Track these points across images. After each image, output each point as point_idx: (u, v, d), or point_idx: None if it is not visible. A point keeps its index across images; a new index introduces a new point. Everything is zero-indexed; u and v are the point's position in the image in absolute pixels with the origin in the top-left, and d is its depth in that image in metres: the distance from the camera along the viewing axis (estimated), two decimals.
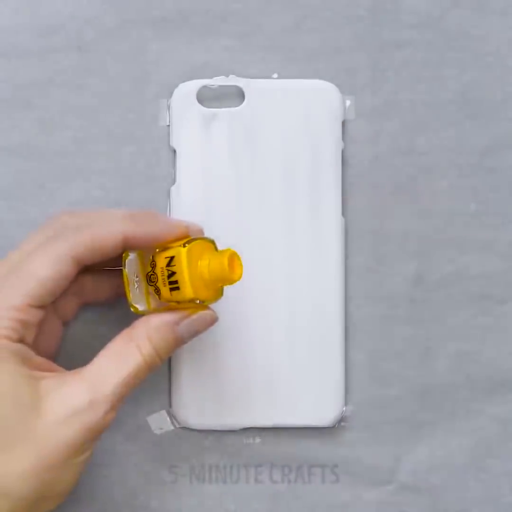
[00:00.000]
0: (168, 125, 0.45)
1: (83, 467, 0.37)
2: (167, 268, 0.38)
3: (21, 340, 0.37)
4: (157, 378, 0.45)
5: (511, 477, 0.46)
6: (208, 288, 0.38)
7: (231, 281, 0.38)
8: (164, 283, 0.38)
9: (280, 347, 0.45)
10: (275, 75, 0.46)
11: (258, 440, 0.46)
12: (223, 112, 0.45)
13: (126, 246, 0.39)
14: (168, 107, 0.45)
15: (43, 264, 0.37)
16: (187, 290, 0.37)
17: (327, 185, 0.45)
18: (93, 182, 0.45)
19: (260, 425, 0.45)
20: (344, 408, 0.45)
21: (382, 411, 0.46)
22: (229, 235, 0.45)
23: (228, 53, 0.46)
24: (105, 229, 0.38)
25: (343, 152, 0.45)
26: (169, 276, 0.38)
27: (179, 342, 0.39)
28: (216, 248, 0.39)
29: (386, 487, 0.46)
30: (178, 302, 0.38)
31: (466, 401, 0.46)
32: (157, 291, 0.38)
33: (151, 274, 0.38)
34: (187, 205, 0.45)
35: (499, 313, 0.46)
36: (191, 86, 0.45)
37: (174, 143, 0.45)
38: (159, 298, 0.39)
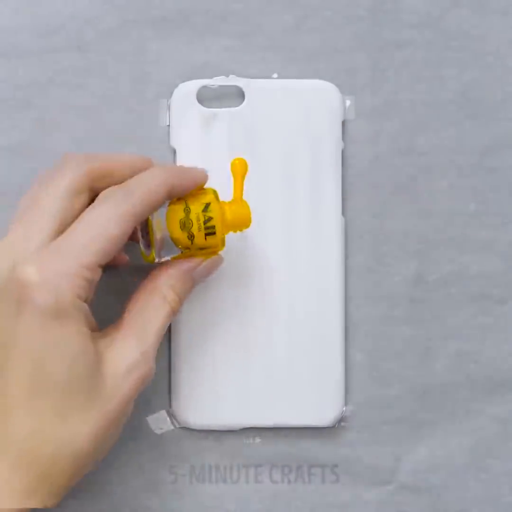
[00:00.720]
0: (168, 125, 0.45)
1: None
2: (204, 213, 0.40)
3: (86, 300, 0.38)
4: (157, 378, 0.45)
5: (511, 477, 0.46)
6: (225, 233, 0.41)
7: (248, 226, 0.41)
8: (200, 229, 0.40)
9: (280, 347, 0.45)
10: (275, 75, 0.46)
11: (258, 440, 0.46)
12: (223, 112, 0.45)
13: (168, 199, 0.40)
14: (168, 107, 0.45)
15: (113, 223, 0.38)
16: (220, 237, 0.40)
17: (327, 185, 0.45)
18: None
19: (260, 425, 0.45)
20: (344, 408, 0.45)
21: (382, 411, 0.46)
22: (229, 235, 0.45)
23: (228, 53, 0.46)
24: (156, 185, 0.39)
25: (343, 152, 0.45)
26: (206, 221, 0.40)
27: (194, 285, 0.42)
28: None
29: (386, 487, 0.46)
30: (188, 248, 0.40)
31: (466, 401, 0.46)
32: (191, 237, 0.40)
33: (186, 220, 0.40)
34: None
35: (499, 313, 0.46)
36: (191, 86, 0.45)
37: (174, 143, 0.45)
38: (191, 244, 0.40)
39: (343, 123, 0.45)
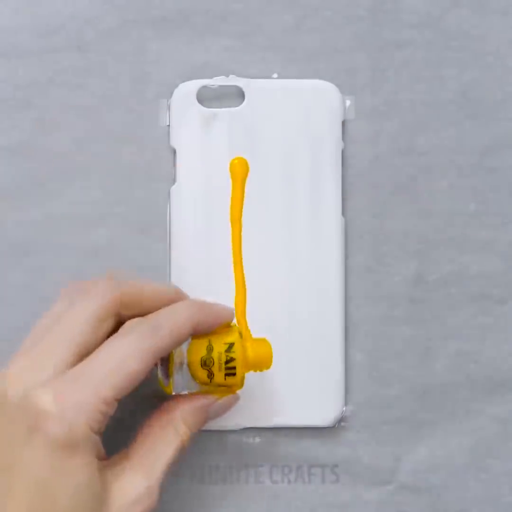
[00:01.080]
0: (168, 125, 0.45)
1: None
2: (226, 353, 0.39)
3: (98, 431, 0.37)
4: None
5: (511, 477, 0.46)
6: (245, 373, 0.40)
7: (269, 367, 0.41)
8: (220, 368, 0.39)
9: (280, 347, 0.45)
10: (275, 75, 0.46)
11: (258, 440, 0.46)
12: (223, 112, 0.45)
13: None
14: (168, 107, 0.45)
15: (135, 358, 0.37)
16: (240, 377, 0.40)
17: (327, 185, 0.45)
18: (93, 182, 0.45)
19: (260, 425, 0.45)
20: (344, 408, 0.45)
21: (382, 411, 0.46)
22: (229, 236, 0.45)
23: (228, 53, 0.46)
24: (182, 322, 0.39)
25: (343, 152, 0.45)
26: (228, 361, 0.39)
27: (208, 421, 0.41)
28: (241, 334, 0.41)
29: (386, 487, 0.46)
30: (206, 384, 0.40)
31: (466, 401, 0.46)
32: (210, 375, 0.39)
33: (207, 358, 0.39)
34: (187, 205, 0.45)
35: (499, 313, 0.46)
36: (191, 86, 0.45)
37: (174, 143, 0.45)
38: (210, 382, 0.40)
39: (343, 123, 0.45)
